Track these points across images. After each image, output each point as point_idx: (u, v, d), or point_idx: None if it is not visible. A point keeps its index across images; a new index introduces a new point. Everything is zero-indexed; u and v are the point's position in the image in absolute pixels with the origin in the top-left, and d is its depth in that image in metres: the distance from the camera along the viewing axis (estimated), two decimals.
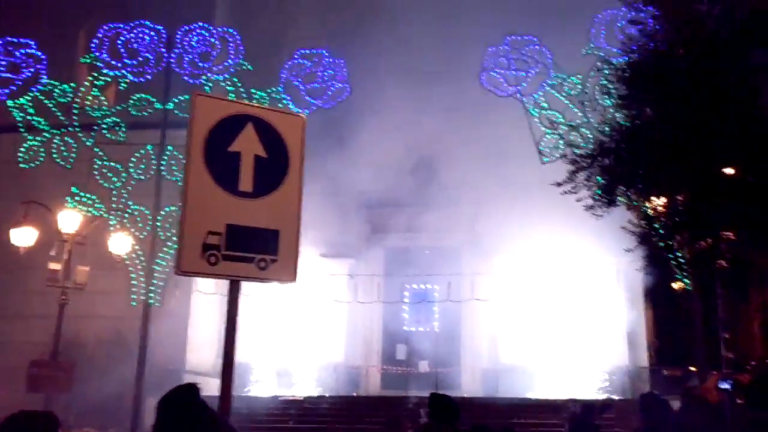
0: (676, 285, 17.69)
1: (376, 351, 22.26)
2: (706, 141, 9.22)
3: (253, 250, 3.59)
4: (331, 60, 15.20)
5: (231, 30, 14.88)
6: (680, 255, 13.56)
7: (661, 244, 12.99)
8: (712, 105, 9.10)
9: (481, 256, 21.10)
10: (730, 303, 20.11)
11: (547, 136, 15.39)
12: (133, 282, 12.81)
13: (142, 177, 13.71)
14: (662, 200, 11.50)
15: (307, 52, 15.17)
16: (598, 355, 20.38)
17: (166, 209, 13.34)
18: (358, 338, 21.80)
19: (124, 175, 13.66)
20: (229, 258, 3.51)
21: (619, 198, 10.96)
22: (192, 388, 1.60)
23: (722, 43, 9.00)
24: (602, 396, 19.65)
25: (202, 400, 1.59)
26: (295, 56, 15.03)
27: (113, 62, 14.17)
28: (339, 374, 21.13)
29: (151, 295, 11.93)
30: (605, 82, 12.75)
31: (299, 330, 20.14)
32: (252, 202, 3.67)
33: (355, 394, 20.10)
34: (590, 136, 13.32)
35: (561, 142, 14.73)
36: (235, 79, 14.35)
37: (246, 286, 3.59)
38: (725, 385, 3.61)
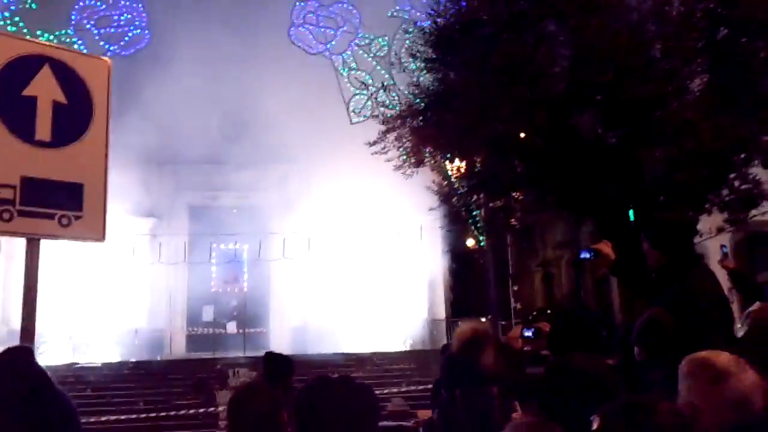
0: (471, 242, 18.97)
1: (180, 313, 21.58)
2: (503, 106, 9.80)
3: (53, 206, 3.24)
4: (128, 3, 14.09)
5: None
6: (477, 214, 14.52)
7: (460, 203, 13.79)
8: (509, 72, 9.69)
9: (291, 216, 21.09)
10: (519, 259, 22.01)
11: (356, 96, 15.60)
12: None
13: None
14: (463, 162, 12.17)
15: None
16: (401, 309, 21.37)
17: None
18: (162, 300, 20.96)
19: None
20: (26, 214, 3.14)
21: (426, 159, 11.42)
22: (28, 351, 1.41)
23: (519, 13, 9.59)
24: (407, 347, 20.73)
25: (38, 365, 1.41)
26: None
27: None
28: (141, 338, 20.21)
29: None
30: (411, 44, 13.13)
31: (97, 293, 18.93)
32: (51, 153, 3.30)
33: (159, 358, 19.39)
34: (397, 97, 13.72)
35: (369, 102, 15.01)
36: (17, 19, 12.85)
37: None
38: (528, 333, 3.95)
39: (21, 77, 3.29)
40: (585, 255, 4.20)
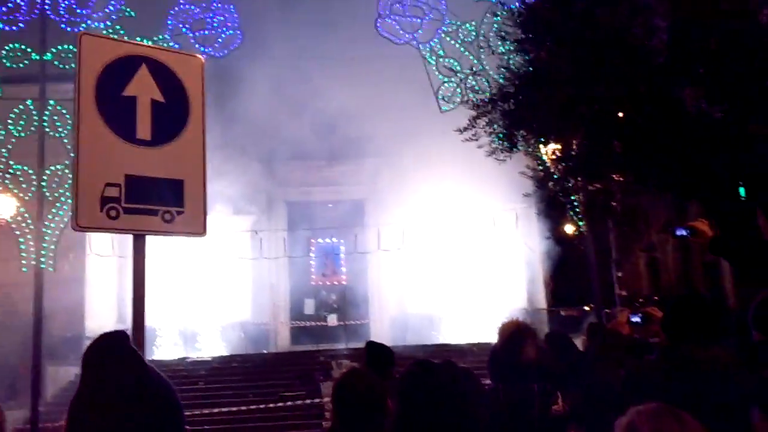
0: (570, 228, 18.45)
1: (283, 307, 22.16)
2: (599, 85, 9.45)
3: (156, 202, 3.35)
4: (220, 5, 14.48)
5: None
6: (575, 198, 14.07)
7: (557, 188, 13.41)
8: (605, 49, 9.32)
9: (385, 208, 21.23)
10: (621, 244, 21.26)
11: (445, 84, 15.43)
12: (21, 247, 11.96)
13: (23, 134, 12.69)
14: (558, 145, 11.82)
15: None
16: (499, 298, 21.10)
17: (52, 168, 12.48)
18: (265, 295, 21.60)
19: (2, 132, 12.59)
20: (131, 211, 3.27)
21: (519, 143, 11.16)
22: (122, 335, 1.45)
23: None
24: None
25: (133, 348, 1.45)
26: (182, 1, 14.21)
27: None
28: (247, 332, 20.91)
29: (43, 259, 11.19)
30: (500, 27, 12.89)
31: (203, 289, 19.71)
32: (152, 151, 3.42)
33: (264, 351, 19.98)
34: (486, 82, 13.48)
35: (459, 90, 14.81)
36: (118, 27, 13.44)
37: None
38: (636, 319, 3.77)
39: (120, 78, 3.41)
40: (680, 232, 4.00)
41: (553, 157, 11.95)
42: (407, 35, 15.17)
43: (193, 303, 19.48)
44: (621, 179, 12.14)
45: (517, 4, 11.12)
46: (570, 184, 12.75)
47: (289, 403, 14.43)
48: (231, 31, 14.00)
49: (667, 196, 15.29)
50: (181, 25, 13.80)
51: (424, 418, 1.82)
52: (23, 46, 12.71)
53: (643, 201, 18.55)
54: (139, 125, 3.41)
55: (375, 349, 5.49)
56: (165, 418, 1.48)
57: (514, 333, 4.00)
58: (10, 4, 12.59)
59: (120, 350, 1.43)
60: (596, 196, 12.80)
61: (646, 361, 3.81)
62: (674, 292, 20.79)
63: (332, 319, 21.26)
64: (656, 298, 20.24)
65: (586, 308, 20.90)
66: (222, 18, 13.94)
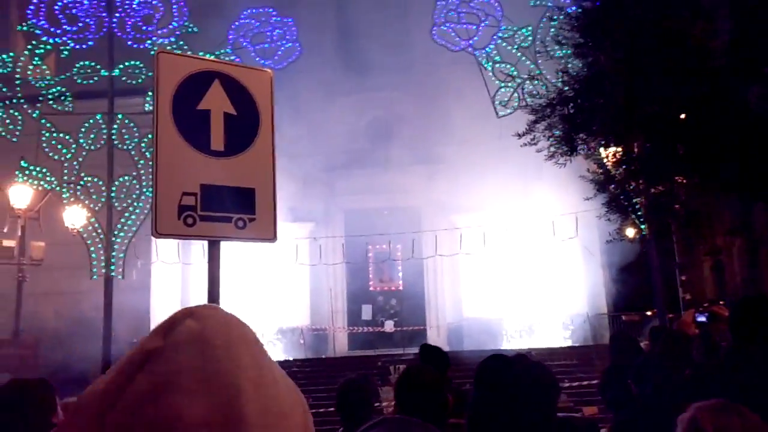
0: (632, 231, 18.14)
1: (341, 312, 22.40)
2: (660, 86, 9.32)
3: (229, 210, 3.51)
4: (279, 19, 14.81)
5: None
6: (636, 202, 13.83)
7: (618, 191, 13.22)
8: (665, 50, 9.20)
9: (440, 214, 21.27)
10: (685, 247, 20.74)
11: (501, 89, 15.40)
12: (92, 255, 12.46)
13: (93, 147, 13.22)
14: (619, 147, 11.66)
15: (254, 11, 14.77)
16: (559, 304, 20.85)
17: (120, 179, 12.96)
18: (323, 301, 21.88)
19: (74, 146, 13.11)
20: (206, 218, 3.43)
21: (579, 146, 11.06)
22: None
23: None
24: (567, 343, 20.20)
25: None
26: (242, 16, 14.61)
27: (52, 29, 13.55)
28: (306, 337, 21.21)
29: (113, 267, 11.63)
30: (557, 31, 12.81)
31: (263, 295, 20.08)
32: (225, 161, 3.58)
33: (323, 356, 20.22)
34: (544, 87, 13.40)
35: (516, 95, 14.76)
36: (182, 43, 13.88)
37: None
38: (702, 318, 3.73)
39: (195, 93, 3.58)
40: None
41: (614, 160, 11.79)
42: (463, 42, 15.19)
43: (254, 308, 19.84)
44: (684, 181, 11.92)
45: (574, 8, 11.07)
46: (632, 187, 12.56)
47: None
48: (289, 44, 14.29)
49: (732, 198, 14.90)
50: (241, 39, 14.17)
51: (499, 405, 1.90)
52: (93, 63, 13.24)
53: (708, 203, 18.10)
54: (213, 137, 3.57)
55: (429, 352, 5.52)
56: None
57: None
58: (80, 24, 13.14)
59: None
60: (659, 199, 12.58)
61: (712, 360, 3.79)
62: (740, 295, 20.17)
63: (389, 325, 21.37)
64: (722, 302, 19.68)
65: (648, 313, 20.46)
66: (280, 31, 14.25)
